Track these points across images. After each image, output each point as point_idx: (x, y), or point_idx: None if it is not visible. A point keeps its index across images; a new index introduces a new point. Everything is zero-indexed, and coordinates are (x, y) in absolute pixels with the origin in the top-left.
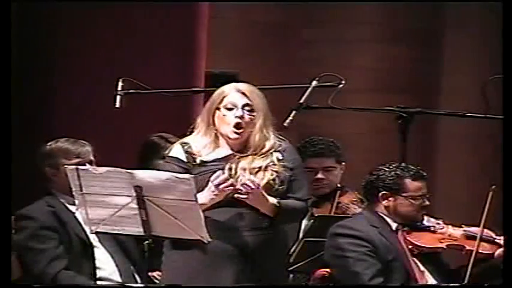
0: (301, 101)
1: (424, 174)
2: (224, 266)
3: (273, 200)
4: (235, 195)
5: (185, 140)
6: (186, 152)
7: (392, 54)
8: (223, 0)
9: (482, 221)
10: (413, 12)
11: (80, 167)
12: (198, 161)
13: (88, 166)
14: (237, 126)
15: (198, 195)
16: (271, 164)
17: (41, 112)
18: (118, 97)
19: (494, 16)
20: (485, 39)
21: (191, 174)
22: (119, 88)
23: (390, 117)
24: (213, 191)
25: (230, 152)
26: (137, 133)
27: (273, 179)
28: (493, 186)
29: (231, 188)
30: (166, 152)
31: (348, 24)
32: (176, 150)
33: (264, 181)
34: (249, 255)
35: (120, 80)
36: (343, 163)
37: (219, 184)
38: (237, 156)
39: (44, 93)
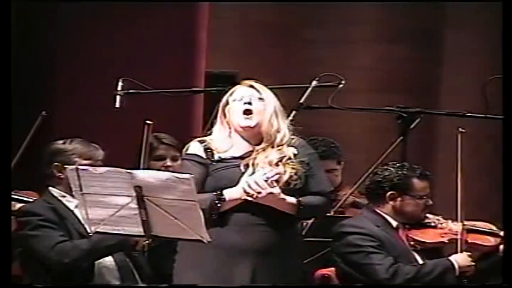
0: (301, 101)
1: (429, 174)
2: (240, 262)
3: (291, 199)
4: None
5: (202, 138)
6: (205, 148)
7: (392, 54)
8: (223, 0)
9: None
10: (414, 12)
11: (80, 167)
12: (216, 158)
13: (88, 166)
14: (246, 112)
15: (233, 189)
16: (288, 160)
17: (40, 112)
18: (118, 97)
19: (494, 16)
20: (485, 39)
21: (209, 170)
22: (119, 88)
23: (390, 117)
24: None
25: (246, 148)
26: (137, 133)
27: (290, 176)
28: (460, 129)
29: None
30: (184, 150)
31: (348, 24)
32: (194, 148)
33: (286, 178)
34: (265, 252)
35: (120, 80)
36: (342, 162)
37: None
38: (253, 153)
39: (44, 93)
